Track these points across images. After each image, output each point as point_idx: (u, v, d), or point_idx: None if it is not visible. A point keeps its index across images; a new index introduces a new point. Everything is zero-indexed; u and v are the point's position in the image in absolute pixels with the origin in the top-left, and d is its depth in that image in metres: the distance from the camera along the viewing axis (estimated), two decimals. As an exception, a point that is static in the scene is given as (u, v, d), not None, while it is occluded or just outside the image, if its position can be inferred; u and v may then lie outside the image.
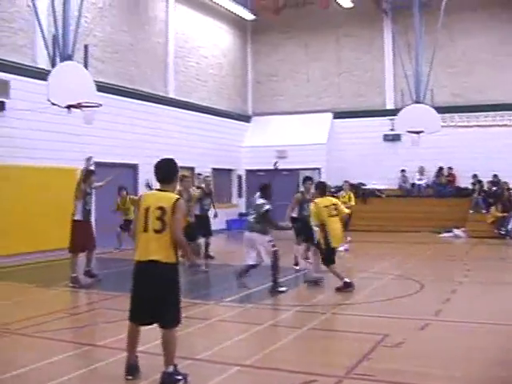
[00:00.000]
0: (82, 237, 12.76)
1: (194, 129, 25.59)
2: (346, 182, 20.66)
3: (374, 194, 27.44)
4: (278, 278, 11.75)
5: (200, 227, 15.55)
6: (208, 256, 16.58)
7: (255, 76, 31.55)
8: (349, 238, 18.16)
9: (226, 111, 28.91)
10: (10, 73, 17.29)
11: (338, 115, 29.06)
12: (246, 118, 30.75)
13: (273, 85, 31.03)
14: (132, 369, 6.63)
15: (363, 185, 27.57)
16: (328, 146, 28.37)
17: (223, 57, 29.33)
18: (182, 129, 24.69)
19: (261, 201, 11.97)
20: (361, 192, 27.07)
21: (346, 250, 17.59)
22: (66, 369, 6.93)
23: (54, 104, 15.26)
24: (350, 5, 27.30)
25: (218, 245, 22.61)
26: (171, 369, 6.43)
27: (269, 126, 29.75)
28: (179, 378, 6.42)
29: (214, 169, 27.32)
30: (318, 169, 27.74)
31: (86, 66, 16.77)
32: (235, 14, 29.08)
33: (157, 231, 6.39)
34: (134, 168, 21.82)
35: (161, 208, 6.43)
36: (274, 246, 11.82)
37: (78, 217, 12.89)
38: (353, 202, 19.54)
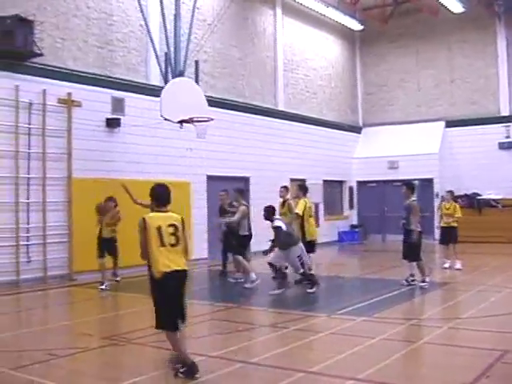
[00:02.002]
0: None
1: (305, 141, 25.63)
2: (448, 191, 18.65)
3: (490, 204, 26.61)
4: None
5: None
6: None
7: (365, 86, 31.29)
8: (458, 264, 16.75)
9: (336, 122, 28.81)
10: (125, 90, 17.89)
11: (451, 124, 28.36)
12: (356, 129, 30.53)
13: (383, 95, 30.68)
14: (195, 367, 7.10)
15: (478, 195, 26.79)
16: (440, 155, 27.72)
17: (332, 68, 29.26)
18: (292, 141, 24.78)
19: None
20: (475, 202, 26.36)
21: (458, 269, 16.53)
22: (180, 379, 7.01)
23: (166, 119, 15.68)
24: (461, 10, 26.63)
25: (330, 257, 22.53)
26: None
27: (379, 137, 29.42)
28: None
29: (325, 180, 27.29)
30: (431, 179, 27.19)
31: (197, 81, 17.17)
32: (343, 24, 28.96)
33: (173, 245, 7.24)
34: (245, 181, 22.04)
35: (173, 225, 7.30)
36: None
37: None
38: (458, 214, 17.42)
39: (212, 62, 21.48)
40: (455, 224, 17.14)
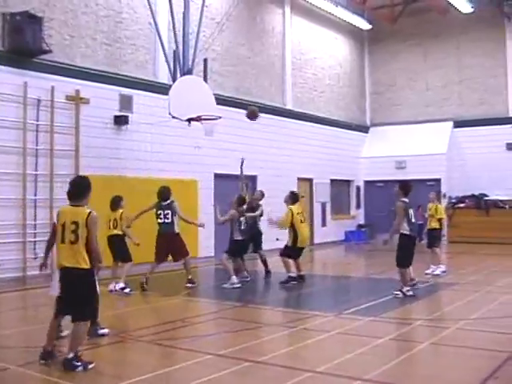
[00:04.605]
0: None
1: (312, 140, 25.61)
2: (433, 192, 17.60)
3: (497, 205, 26.52)
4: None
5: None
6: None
7: (373, 86, 31.24)
8: (442, 267, 15.85)
9: (344, 122, 28.78)
10: (133, 88, 17.90)
11: (459, 124, 28.28)
12: (364, 129, 30.49)
13: (391, 94, 30.62)
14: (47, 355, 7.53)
15: (485, 195, 26.70)
16: (448, 155, 27.65)
17: (340, 67, 29.22)
18: (299, 140, 24.76)
19: None
20: (483, 203, 26.30)
21: (443, 272, 15.70)
22: (185, 378, 7.02)
23: (174, 117, 15.68)
24: (470, 10, 26.55)
25: (337, 256, 22.51)
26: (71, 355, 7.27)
27: (387, 137, 29.35)
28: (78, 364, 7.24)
29: (332, 180, 27.26)
30: (438, 180, 27.12)
31: (205, 79, 17.16)
32: (351, 24, 28.92)
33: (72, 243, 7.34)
34: (253, 179, 22.02)
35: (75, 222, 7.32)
36: None
37: None
38: (441, 215, 16.37)
39: (220, 61, 21.48)
40: (436, 225, 16.12)
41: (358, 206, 29.54)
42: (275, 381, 6.79)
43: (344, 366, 7.44)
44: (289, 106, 25.08)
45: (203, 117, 15.82)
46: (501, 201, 26.60)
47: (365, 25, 29.38)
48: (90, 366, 7.26)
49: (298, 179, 24.57)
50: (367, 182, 29.39)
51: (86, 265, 7.29)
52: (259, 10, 23.87)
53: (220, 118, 16.20)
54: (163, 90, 17.09)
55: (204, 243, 19.55)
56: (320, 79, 27.55)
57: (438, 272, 15.37)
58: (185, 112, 15.55)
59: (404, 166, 27.78)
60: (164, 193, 13.68)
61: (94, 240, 7.35)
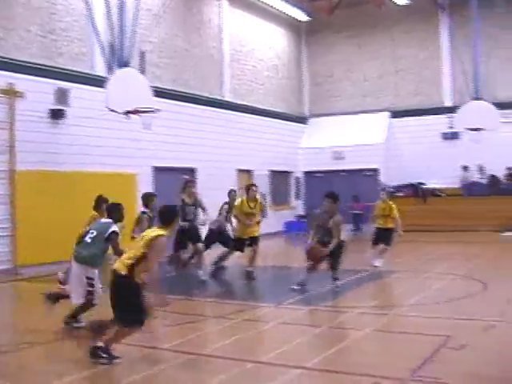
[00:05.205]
0: None
1: (251, 131, 25.64)
2: (384, 189, 16.93)
3: (434, 193, 27.05)
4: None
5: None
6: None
7: (311, 77, 31.42)
8: (377, 263, 15.08)
9: (283, 113, 28.89)
10: (70, 81, 17.59)
11: (396, 114, 28.72)
12: (302, 120, 30.67)
13: (329, 85, 30.85)
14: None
15: (423, 184, 27.21)
16: (385, 145, 28.07)
17: (278, 59, 29.32)
18: (239, 131, 24.77)
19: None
20: (420, 191, 26.81)
21: (376, 266, 15.03)
22: (128, 371, 6.99)
23: (112, 110, 15.50)
24: (405, 1, 26.96)
25: (277, 247, 22.63)
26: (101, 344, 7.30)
27: (326, 127, 29.58)
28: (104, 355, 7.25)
29: (272, 171, 27.35)
30: (376, 169, 27.52)
31: (142, 72, 17.01)
32: (289, 15, 29.05)
33: None
34: (192, 172, 21.97)
35: None
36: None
37: None
38: (395, 215, 15.31)
39: (158, 53, 21.31)
40: (392, 225, 15.39)
41: (298, 197, 29.73)
42: (219, 373, 6.81)
43: (286, 355, 7.50)
44: (227, 98, 25.05)
45: (141, 109, 15.68)
46: (437, 189, 27.16)
47: (302, 16, 29.53)
48: (116, 361, 7.23)
49: (238, 171, 24.60)
50: (306, 173, 29.58)
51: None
52: (196, 2, 23.73)
53: (158, 110, 16.07)
54: (100, 82, 16.83)
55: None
56: (259, 71, 27.59)
57: (377, 263, 15.33)
58: (122, 105, 15.38)
59: (342, 156, 28.07)
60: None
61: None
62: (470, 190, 26.84)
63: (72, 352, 8.06)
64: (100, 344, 7.24)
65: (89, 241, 8.78)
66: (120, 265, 7.30)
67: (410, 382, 6.36)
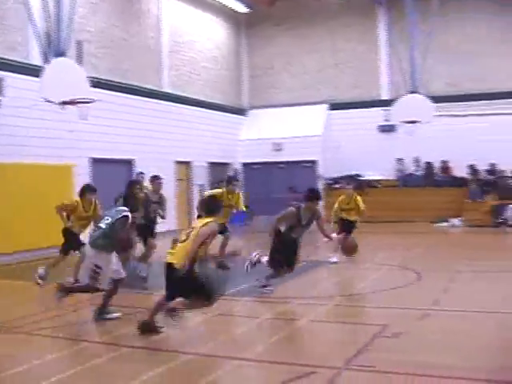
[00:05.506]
0: None
1: (190, 123, 25.52)
2: (350, 185, 16.33)
3: (371, 184, 27.41)
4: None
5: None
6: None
7: (250, 69, 31.42)
8: (334, 259, 14.71)
9: (222, 105, 28.85)
10: (4, 70, 17.21)
11: (334, 106, 28.99)
12: (242, 112, 30.69)
13: (268, 77, 30.92)
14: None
15: (360, 176, 27.54)
16: (324, 137, 28.34)
17: (217, 50, 29.24)
18: (177, 123, 24.64)
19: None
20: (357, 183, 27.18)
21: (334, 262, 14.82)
22: (63, 366, 6.92)
23: (47, 101, 15.22)
24: (345, -5, 27.26)
25: (218, 238, 22.58)
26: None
27: (265, 119, 29.65)
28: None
29: (211, 162, 27.30)
30: (314, 161, 27.75)
31: (79, 61, 16.74)
32: (229, 6, 29.00)
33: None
34: (129, 163, 21.79)
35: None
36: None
37: None
38: (362, 207, 15.13)
39: (95, 42, 20.99)
40: (356, 218, 15.16)
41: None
42: (154, 364, 6.79)
43: (223, 347, 7.54)
44: (166, 89, 24.87)
45: (77, 100, 15.44)
46: (374, 180, 27.54)
47: (242, 8, 29.50)
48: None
49: (176, 162, 24.49)
50: (245, 164, 29.60)
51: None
52: (134, -9, 23.50)
53: (95, 100, 15.85)
54: (36, 72, 16.48)
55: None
56: (198, 62, 27.46)
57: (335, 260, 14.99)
58: (58, 95, 15.09)
59: (281, 148, 28.21)
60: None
61: None
62: (405, 181, 27.32)
63: (11, 347, 7.93)
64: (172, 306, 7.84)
65: (103, 227, 8.99)
66: (175, 257, 7.80)
67: (345, 371, 6.46)
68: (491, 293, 10.62)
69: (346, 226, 14.98)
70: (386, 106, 26.11)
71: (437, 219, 24.26)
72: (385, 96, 28.18)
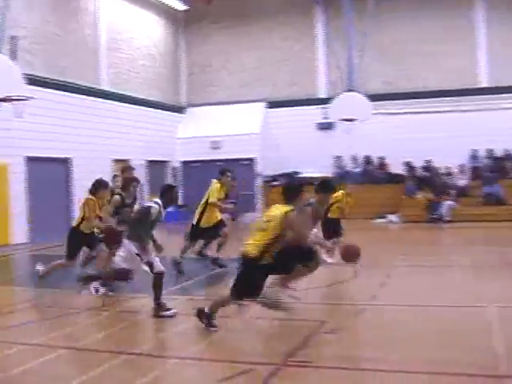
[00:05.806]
0: None
1: (128, 121, 25.29)
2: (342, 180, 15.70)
3: (309, 182, 27.52)
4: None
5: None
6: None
7: (189, 67, 31.31)
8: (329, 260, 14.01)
9: (160, 103, 28.67)
10: None
11: (272, 104, 29.10)
12: (180, 109, 30.54)
13: (207, 75, 30.86)
14: None
15: (297, 173, 27.69)
16: (262, 135, 28.42)
17: (155, 48, 29.04)
18: (115, 121, 24.39)
19: None
20: (295, 181, 27.32)
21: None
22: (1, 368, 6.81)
23: (-20, 98, 14.93)
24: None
25: (157, 236, 22.43)
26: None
27: (203, 117, 29.57)
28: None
29: (149, 161, 27.11)
30: (252, 159, 27.83)
31: (14, 58, 16.42)
32: (166, 4, 28.83)
33: None
34: (66, 162, 21.49)
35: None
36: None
37: None
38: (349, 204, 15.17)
39: (30, 38, 20.58)
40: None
41: (175, 186, 29.54)
42: (93, 365, 6.72)
43: (161, 346, 7.54)
44: (103, 87, 24.59)
45: (12, 97, 15.16)
46: (312, 178, 27.70)
47: (180, 6, 29.37)
48: (213, 329, 7.90)
49: (114, 161, 24.23)
50: (184, 163, 29.51)
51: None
52: (70, -13, 23.16)
53: (30, 98, 15.59)
54: (-32, 68, 16.17)
55: (18, 230, 18.89)
56: (136, 60, 27.24)
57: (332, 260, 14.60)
58: (-9, 92, 14.85)
59: (219, 145, 28.20)
60: None
61: None
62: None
63: None
64: (205, 309, 7.97)
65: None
66: (250, 247, 7.67)
67: (284, 367, 6.51)
68: (426, 287, 10.84)
69: (337, 227, 14.92)
70: (324, 104, 26.38)
71: (375, 216, 24.58)
72: (323, 94, 28.45)
